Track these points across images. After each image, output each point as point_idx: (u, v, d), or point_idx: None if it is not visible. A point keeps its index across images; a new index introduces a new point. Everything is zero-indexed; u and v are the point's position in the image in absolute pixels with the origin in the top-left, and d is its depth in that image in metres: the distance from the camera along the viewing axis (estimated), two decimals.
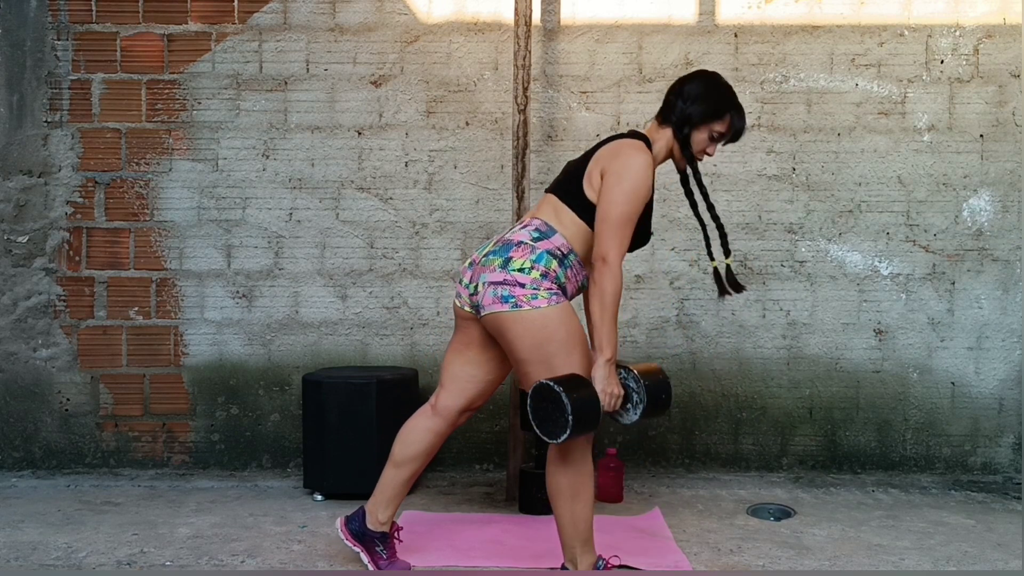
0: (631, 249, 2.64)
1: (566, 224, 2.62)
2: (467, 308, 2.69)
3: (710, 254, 2.81)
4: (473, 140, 4.23)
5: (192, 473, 4.21)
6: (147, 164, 4.25)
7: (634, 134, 2.71)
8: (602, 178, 2.57)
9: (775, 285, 4.24)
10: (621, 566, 2.78)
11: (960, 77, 4.22)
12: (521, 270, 2.55)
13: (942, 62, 4.22)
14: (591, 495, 2.62)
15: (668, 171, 4.22)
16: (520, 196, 3.82)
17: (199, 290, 4.26)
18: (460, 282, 2.71)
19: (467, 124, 4.24)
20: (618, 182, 2.53)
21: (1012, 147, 4.23)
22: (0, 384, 4.26)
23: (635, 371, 2.55)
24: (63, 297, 4.25)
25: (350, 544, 2.85)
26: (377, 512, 2.84)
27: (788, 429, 4.25)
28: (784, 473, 4.23)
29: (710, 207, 2.77)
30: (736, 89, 4.16)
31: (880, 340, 4.24)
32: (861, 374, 4.25)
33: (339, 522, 2.89)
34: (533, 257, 2.57)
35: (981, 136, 4.22)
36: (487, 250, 2.66)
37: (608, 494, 3.76)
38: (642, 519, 3.50)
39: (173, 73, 4.23)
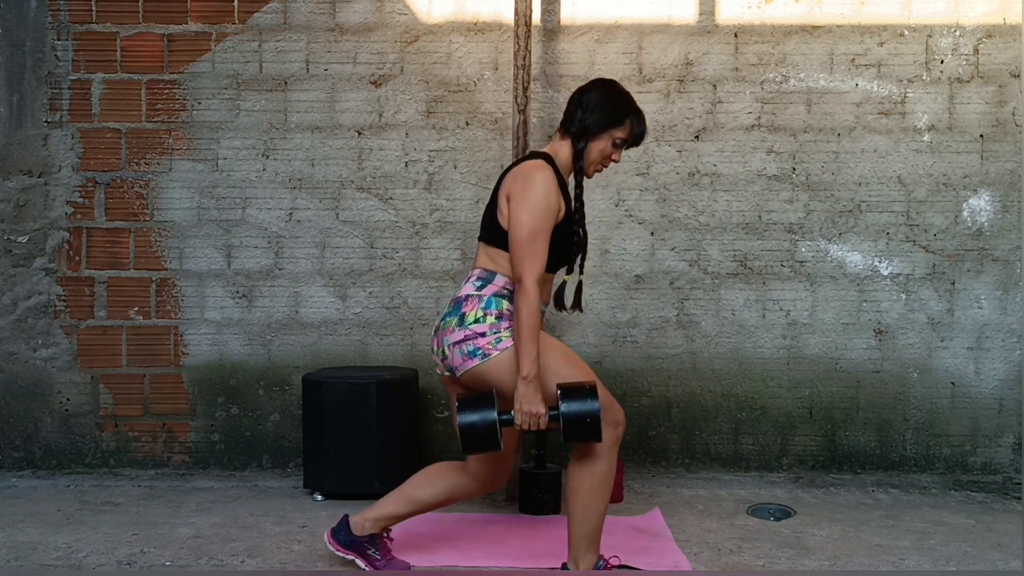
0: (556, 267, 2.67)
1: (501, 264, 2.64)
2: (446, 373, 2.71)
3: (572, 268, 2.76)
4: (473, 140, 4.23)
5: (192, 473, 4.21)
6: (147, 164, 4.25)
7: (534, 154, 2.73)
8: (508, 203, 2.59)
9: (775, 285, 4.24)
10: (621, 566, 2.78)
11: (960, 77, 4.22)
12: (477, 321, 2.59)
13: (942, 62, 4.22)
14: (607, 497, 2.63)
15: (667, 171, 4.23)
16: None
17: (199, 290, 4.26)
18: (432, 351, 2.72)
19: (467, 124, 4.24)
20: (520, 202, 2.55)
21: (1012, 147, 4.22)
22: (0, 384, 4.26)
23: (560, 390, 2.49)
24: (63, 297, 4.25)
25: (342, 554, 2.85)
26: (364, 523, 2.84)
27: (788, 429, 4.25)
28: (784, 473, 4.23)
29: (581, 223, 2.73)
30: (736, 89, 4.22)
31: (880, 340, 4.24)
32: (861, 374, 4.25)
33: (326, 536, 2.89)
34: (483, 305, 2.60)
35: (981, 136, 4.22)
36: (444, 313, 2.69)
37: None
38: (642, 519, 3.50)
39: (173, 73, 4.23)
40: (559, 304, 2.79)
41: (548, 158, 2.68)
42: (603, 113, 2.69)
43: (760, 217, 4.24)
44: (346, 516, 2.88)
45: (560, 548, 2.86)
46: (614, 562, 2.76)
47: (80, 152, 4.24)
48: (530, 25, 3.85)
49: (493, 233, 2.65)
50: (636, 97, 4.19)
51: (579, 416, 2.46)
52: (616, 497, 3.76)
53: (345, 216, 4.25)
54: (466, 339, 2.58)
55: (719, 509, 3.66)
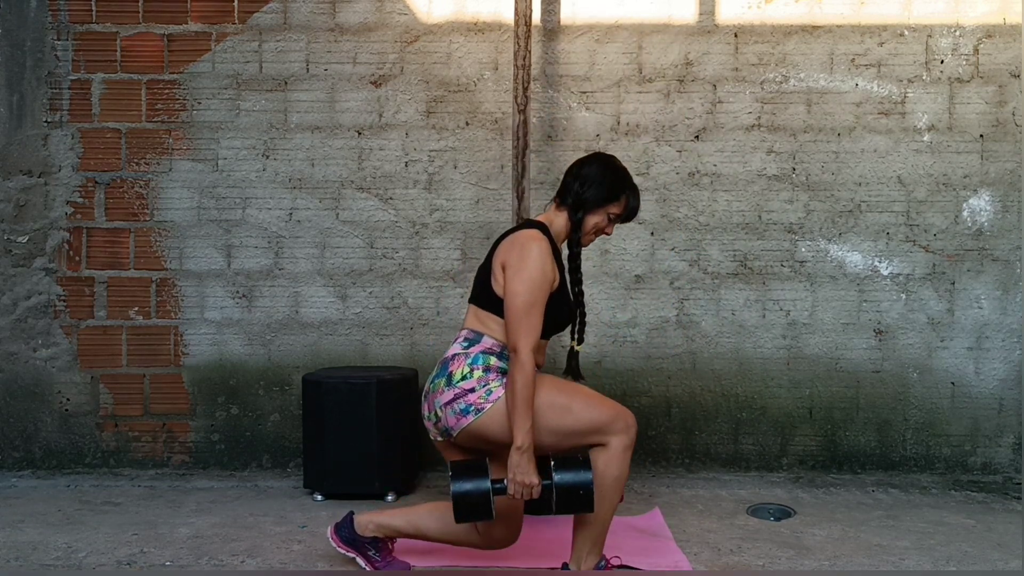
0: (551, 334, 2.69)
1: (490, 327, 2.66)
2: (440, 438, 2.70)
3: (572, 336, 2.81)
4: (473, 140, 4.23)
5: (192, 473, 4.21)
6: (147, 164, 4.25)
7: (529, 223, 2.74)
8: (503, 272, 2.61)
9: (775, 285, 4.24)
10: (621, 566, 2.78)
11: (960, 77, 4.22)
12: (464, 378, 2.59)
13: (942, 62, 4.22)
14: (616, 503, 2.63)
15: (667, 171, 4.23)
16: (520, 196, 3.82)
17: (199, 290, 4.26)
18: (424, 418, 2.72)
19: (467, 124, 4.24)
20: (517, 272, 2.57)
21: (1012, 147, 4.22)
22: (0, 384, 4.26)
23: (553, 462, 2.49)
24: (63, 297, 4.25)
25: (343, 551, 2.85)
26: (370, 524, 2.84)
27: (788, 429, 4.25)
28: (784, 473, 4.23)
29: (579, 293, 2.77)
30: (736, 89, 4.22)
31: (880, 340, 4.24)
32: (861, 374, 4.25)
33: (329, 531, 2.89)
34: (469, 362, 2.61)
35: (981, 136, 4.22)
36: (432, 376, 2.69)
37: None
38: (642, 519, 3.50)
39: (173, 73, 4.23)
40: (574, 373, 2.80)
41: (543, 227, 2.69)
42: (600, 188, 2.71)
43: (760, 217, 4.24)
44: (351, 513, 2.88)
45: (560, 548, 2.86)
46: (614, 562, 2.76)
47: (80, 152, 4.24)
48: (530, 25, 3.85)
49: (486, 298, 2.67)
50: (636, 97, 4.22)
51: (572, 487, 2.47)
52: None
53: (345, 216, 4.25)
54: (456, 398, 2.58)
55: (719, 509, 3.66)
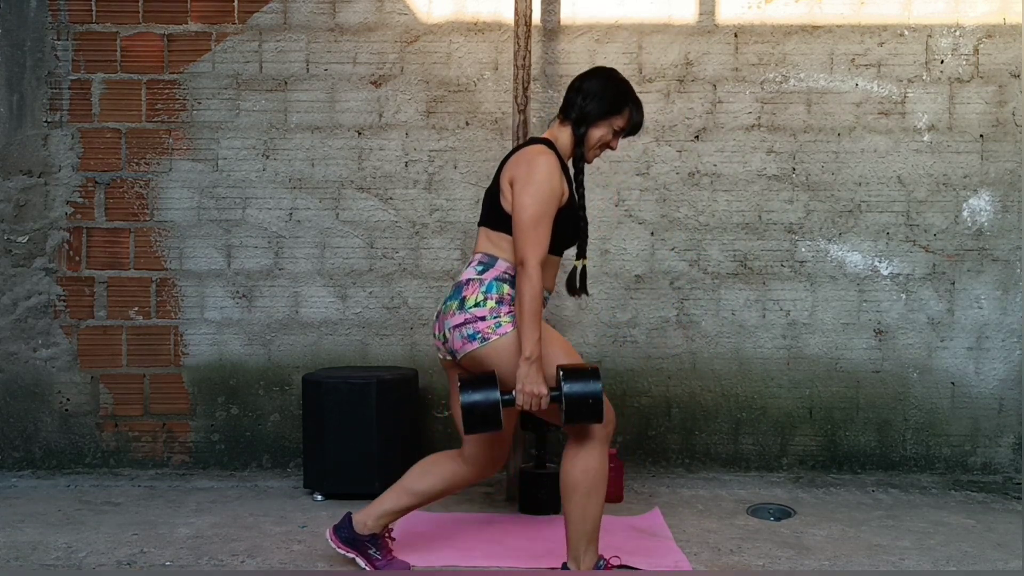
0: (561, 250, 2.69)
1: (503, 248, 2.65)
2: (448, 357, 2.72)
3: (582, 253, 2.78)
4: (473, 140, 4.23)
5: (192, 473, 4.21)
6: (147, 164, 4.25)
7: (535, 140, 2.73)
8: (512, 188, 2.60)
9: (775, 285, 4.24)
10: (621, 566, 2.78)
11: (960, 77, 4.22)
12: (477, 305, 2.60)
13: (942, 62, 4.22)
14: (603, 494, 2.63)
15: (667, 171, 4.23)
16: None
17: (199, 290, 4.26)
18: (434, 336, 2.74)
19: (467, 124, 4.24)
20: (524, 186, 2.56)
21: (1012, 147, 4.22)
22: (0, 384, 4.26)
23: (562, 371, 2.50)
24: (63, 297, 4.25)
25: (343, 552, 2.85)
26: (367, 520, 2.84)
27: (788, 429, 4.25)
28: (784, 473, 4.23)
29: (581, 207, 2.75)
30: (736, 89, 4.22)
31: (880, 340, 4.24)
32: (861, 374, 4.25)
33: (328, 533, 2.89)
34: (483, 289, 2.61)
35: (981, 136, 4.22)
36: (445, 298, 2.70)
37: (608, 494, 3.73)
38: (642, 519, 3.50)
39: (173, 73, 4.23)
40: (571, 288, 2.79)
41: (549, 143, 2.69)
42: (603, 101, 2.70)
43: (760, 217, 4.24)
44: (349, 514, 2.88)
45: (560, 548, 2.86)
46: (614, 562, 2.76)
47: (80, 152, 4.24)
48: (530, 25, 3.85)
49: (495, 218, 2.66)
50: None
51: (581, 397, 2.47)
52: (616, 497, 3.76)
53: (345, 216, 4.25)
54: (466, 323, 2.59)
55: (719, 509, 3.66)
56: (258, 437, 4.27)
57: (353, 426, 3.71)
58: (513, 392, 2.50)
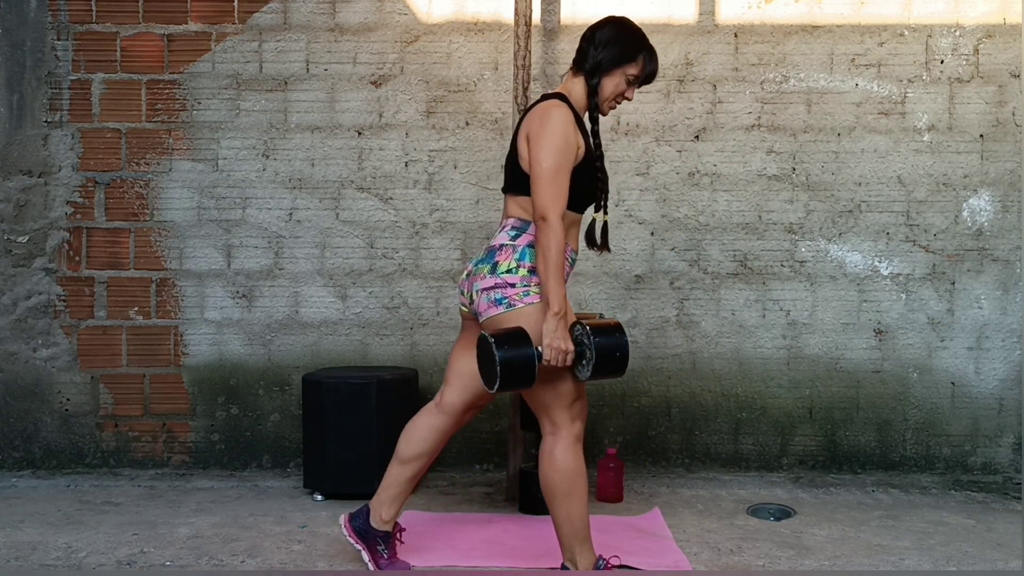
0: (582, 206, 2.67)
1: (531, 211, 2.62)
2: (471, 314, 2.73)
3: (600, 207, 2.76)
4: (473, 140, 4.23)
5: (192, 473, 4.21)
6: (147, 164, 4.25)
7: (546, 95, 2.70)
8: (528, 145, 2.59)
9: (775, 285, 4.24)
10: (621, 566, 2.78)
11: (960, 77, 4.22)
12: (509, 271, 2.59)
13: (942, 62, 4.22)
14: (585, 493, 2.62)
15: (667, 171, 4.23)
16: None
17: (199, 290, 4.26)
18: (460, 292, 2.75)
19: (467, 124, 4.24)
20: (538, 140, 2.55)
21: (1012, 147, 4.23)
22: (0, 384, 4.26)
23: (588, 327, 2.52)
24: (63, 297, 4.25)
25: (352, 541, 2.85)
26: (381, 510, 2.84)
27: (788, 429, 4.25)
28: (784, 473, 4.23)
29: (599, 158, 2.71)
30: (736, 89, 4.22)
31: (880, 340, 4.24)
32: (861, 374, 4.25)
33: (343, 518, 2.89)
34: (517, 256, 2.61)
35: (981, 136, 4.22)
36: (477, 259, 2.70)
37: (608, 494, 3.76)
38: (642, 519, 3.50)
39: (173, 73, 4.23)
40: (591, 242, 2.77)
41: (562, 97, 2.66)
42: (616, 49, 2.67)
43: (760, 217, 4.24)
44: (367, 505, 2.87)
45: (559, 548, 2.85)
46: (614, 562, 2.76)
47: (80, 152, 4.24)
48: (530, 25, 3.85)
49: (518, 181, 2.65)
50: (636, 97, 4.22)
51: (610, 350, 2.49)
52: (616, 497, 3.76)
53: (345, 216, 4.25)
54: (496, 287, 2.58)
55: (719, 509, 3.66)
56: (258, 437, 4.27)
57: (353, 426, 3.71)
58: (539, 348, 2.48)
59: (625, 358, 2.50)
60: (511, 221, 2.69)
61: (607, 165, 3.93)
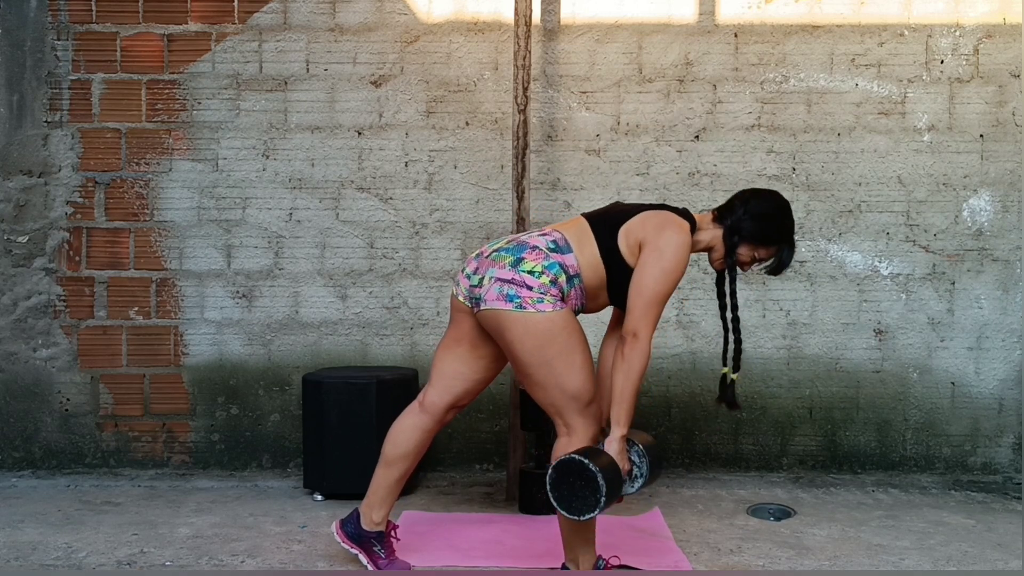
0: (616, 304, 2.72)
1: (585, 254, 2.61)
2: (465, 301, 2.67)
3: (725, 361, 2.75)
4: (473, 140, 4.23)
5: (192, 473, 4.21)
6: (147, 164, 4.25)
7: (685, 213, 2.69)
8: (641, 247, 2.57)
9: (775, 285, 4.24)
10: (621, 566, 2.78)
11: (960, 77, 4.22)
12: (532, 272, 2.54)
13: (942, 62, 4.22)
14: None
15: (667, 171, 4.23)
16: (520, 196, 3.82)
17: (199, 290, 4.26)
18: (463, 271, 2.69)
19: (467, 124, 4.24)
20: (659, 260, 2.53)
21: (1012, 147, 4.22)
22: (0, 384, 4.26)
23: (640, 445, 2.56)
24: (63, 297, 4.25)
25: (347, 547, 2.85)
26: (371, 513, 2.84)
27: (788, 429, 4.25)
28: (784, 473, 4.23)
29: (735, 319, 2.72)
30: (736, 89, 4.21)
31: (880, 340, 4.24)
32: (861, 374, 4.24)
33: (334, 526, 2.89)
34: (546, 263, 2.56)
35: (981, 136, 4.22)
36: (499, 246, 2.64)
37: None
38: (642, 519, 3.50)
39: (173, 73, 4.23)
40: (723, 400, 2.75)
41: (693, 224, 2.66)
42: (763, 227, 2.67)
43: None
44: (356, 509, 2.87)
45: (560, 548, 2.85)
46: (614, 562, 2.76)
47: (80, 152, 4.24)
48: (530, 25, 3.85)
49: (603, 235, 2.62)
50: (636, 97, 4.22)
51: (658, 469, 2.63)
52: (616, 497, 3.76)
53: (345, 216, 4.25)
54: (512, 282, 2.54)
55: (719, 509, 3.66)
56: (258, 437, 4.27)
57: (353, 426, 3.71)
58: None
59: (662, 470, 2.66)
60: (557, 236, 2.64)
61: (608, 166, 3.94)
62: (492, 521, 3.47)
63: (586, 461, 2.36)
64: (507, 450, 3.88)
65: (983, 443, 4.25)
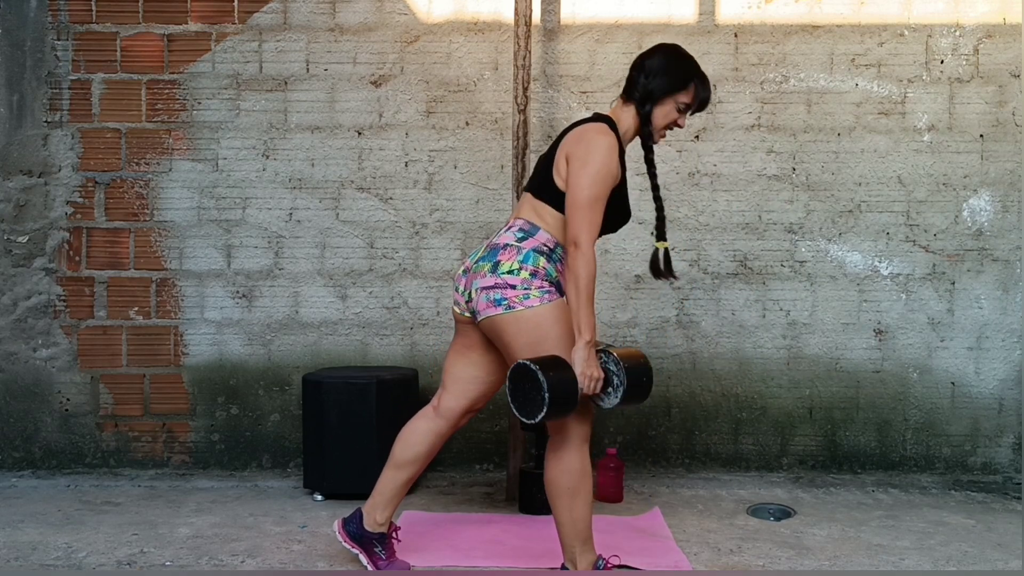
0: (606, 231, 2.66)
1: (547, 220, 2.64)
2: (465, 314, 2.72)
3: (656, 235, 2.78)
4: (473, 140, 4.23)
5: (192, 473, 4.21)
6: (147, 164, 4.25)
7: (598, 117, 2.71)
8: (568, 164, 2.59)
9: (775, 285, 4.24)
10: (621, 566, 2.78)
11: (960, 77, 4.22)
12: (510, 272, 2.58)
13: (942, 62, 4.22)
14: (590, 494, 2.63)
15: (666, 171, 4.23)
16: (520, 196, 3.82)
17: (199, 290, 4.26)
18: (456, 289, 2.73)
19: (467, 124, 4.24)
20: (583, 166, 2.54)
21: (1012, 147, 4.22)
22: (0, 384, 4.26)
23: (615, 354, 2.54)
24: (63, 297, 4.25)
25: (348, 546, 2.85)
26: (375, 513, 2.84)
27: (788, 429, 4.25)
28: (784, 473, 4.23)
29: (655, 187, 2.75)
30: (736, 89, 4.21)
31: (880, 340, 4.24)
32: (861, 374, 4.24)
33: (336, 524, 2.89)
34: (520, 258, 2.59)
35: (981, 136, 4.22)
36: (478, 256, 2.69)
37: (608, 494, 3.76)
38: (642, 519, 3.50)
39: (173, 73, 4.23)
40: (656, 271, 2.76)
41: (611, 122, 2.66)
42: (667, 77, 2.68)
43: (760, 217, 4.23)
44: (359, 509, 2.88)
45: (560, 548, 2.85)
46: (614, 562, 2.76)
47: (80, 152, 4.24)
48: (530, 25, 3.85)
49: (546, 189, 2.64)
50: None
51: (638, 377, 2.52)
52: (616, 497, 3.76)
53: (345, 216, 4.25)
54: (496, 286, 2.57)
55: (719, 509, 3.66)
56: (258, 437, 4.27)
57: (353, 426, 3.71)
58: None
59: (650, 384, 2.54)
60: (520, 223, 2.68)
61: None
62: (492, 521, 3.47)
63: (530, 363, 2.42)
64: (507, 450, 3.88)
65: (983, 443, 4.25)
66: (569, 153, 2.59)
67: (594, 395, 2.53)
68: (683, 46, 4.21)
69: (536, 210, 2.66)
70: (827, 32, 4.21)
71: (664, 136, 2.78)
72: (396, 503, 2.87)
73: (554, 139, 2.74)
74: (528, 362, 2.44)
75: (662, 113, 2.70)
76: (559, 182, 2.61)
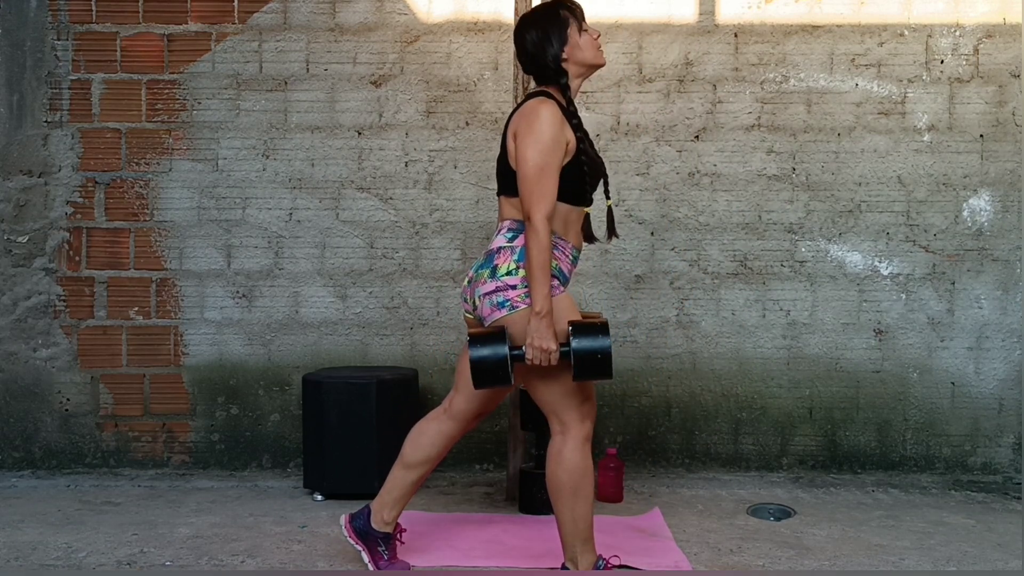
0: (580, 201, 2.64)
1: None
2: (476, 319, 2.72)
3: (606, 195, 2.77)
4: (473, 140, 4.23)
5: (192, 473, 4.21)
6: (147, 164, 4.25)
7: (532, 94, 2.68)
8: (516, 143, 2.58)
9: (775, 285, 4.24)
10: (621, 566, 2.78)
11: (960, 77, 4.22)
12: (508, 273, 2.58)
13: (942, 62, 4.22)
14: (591, 493, 2.63)
15: (666, 171, 4.23)
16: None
17: (199, 290, 4.26)
18: (463, 299, 2.73)
19: (467, 124, 4.24)
20: (525, 137, 2.53)
21: (1012, 147, 4.22)
22: (0, 384, 4.26)
23: (572, 327, 2.49)
24: (63, 297, 4.25)
25: (352, 542, 2.85)
26: (383, 512, 2.84)
27: (788, 429, 4.25)
28: (784, 473, 4.23)
29: (589, 145, 2.70)
30: (736, 89, 4.22)
31: (880, 340, 4.24)
32: (861, 374, 4.24)
33: (343, 519, 2.89)
34: (515, 257, 2.60)
35: (981, 136, 4.22)
36: (477, 265, 2.69)
37: (608, 494, 3.76)
38: (642, 519, 3.50)
39: (173, 73, 4.23)
40: (589, 238, 2.74)
41: (548, 95, 2.63)
42: (550, 40, 2.63)
43: (760, 217, 4.24)
44: (368, 505, 2.88)
45: (560, 548, 2.86)
46: (614, 562, 2.76)
47: (80, 152, 4.24)
48: None
49: (509, 181, 2.63)
50: (636, 97, 4.23)
51: (590, 352, 2.45)
52: (616, 497, 3.76)
53: (345, 216, 4.25)
54: (497, 290, 2.58)
55: (719, 509, 3.66)
56: (258, 437, 4.27)
57: (353, 426, 3.71)
58: (523, 347, 2.49)
59: (607, 360, 2.45)
60: (507, 223, 2.68)
61: (608, 166, 3.93)
62: (492, 521, 3.47)
63: (472, 338, 2.51)
64: (507, 450, 3.88)
65: (983, 443, 4.25)
66: (515, 131, 2.58)
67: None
68: (683, 46, 4.21)
69: (514, 206, 2.65)
70: (827, 32, 4.21)
71: (599, 48, 2.70)
72: (404, 503, 2.87)
73: (502, 134, 2.71)
74: (470, 333, 2.53)
75: (580, 47, 2.65)
76: (513, 164, 2.59)
